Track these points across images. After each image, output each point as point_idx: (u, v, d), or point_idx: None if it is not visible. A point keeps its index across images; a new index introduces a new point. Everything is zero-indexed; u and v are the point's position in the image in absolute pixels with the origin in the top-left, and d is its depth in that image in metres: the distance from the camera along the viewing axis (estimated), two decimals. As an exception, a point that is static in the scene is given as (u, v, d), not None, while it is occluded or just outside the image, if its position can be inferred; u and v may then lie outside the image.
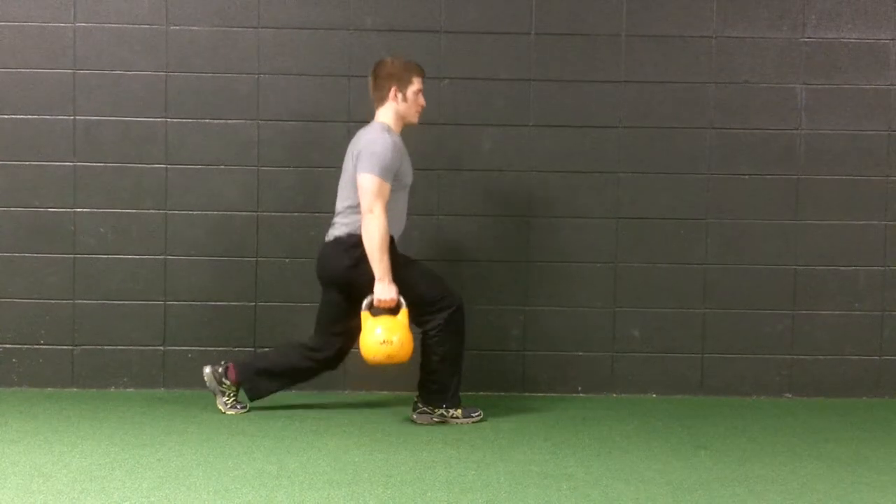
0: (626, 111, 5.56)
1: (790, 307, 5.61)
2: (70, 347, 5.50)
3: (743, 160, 5.58)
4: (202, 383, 5.24)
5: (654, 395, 5.61)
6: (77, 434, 4.56)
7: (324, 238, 4.96)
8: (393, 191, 4.79)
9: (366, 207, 4.71)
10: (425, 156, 5.40)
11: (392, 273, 4.72)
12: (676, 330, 5.60)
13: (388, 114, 4.90)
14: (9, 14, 5.44)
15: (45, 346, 5.50)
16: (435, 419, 4.90)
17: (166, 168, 5.49)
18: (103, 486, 3.77)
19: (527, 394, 5.59)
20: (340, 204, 4.90)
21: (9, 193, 5.47)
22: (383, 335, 4.70)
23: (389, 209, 4.76)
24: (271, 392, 5.04)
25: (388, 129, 4.83)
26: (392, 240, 4.84)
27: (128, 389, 5.51)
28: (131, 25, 5.46)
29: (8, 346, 5.49)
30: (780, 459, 4.35)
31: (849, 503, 3.76)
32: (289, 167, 5.51)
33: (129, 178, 5.48)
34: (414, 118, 4.95)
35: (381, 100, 4.91)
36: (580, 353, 5.60)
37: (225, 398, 5.00)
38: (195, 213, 5.50)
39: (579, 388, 5.61)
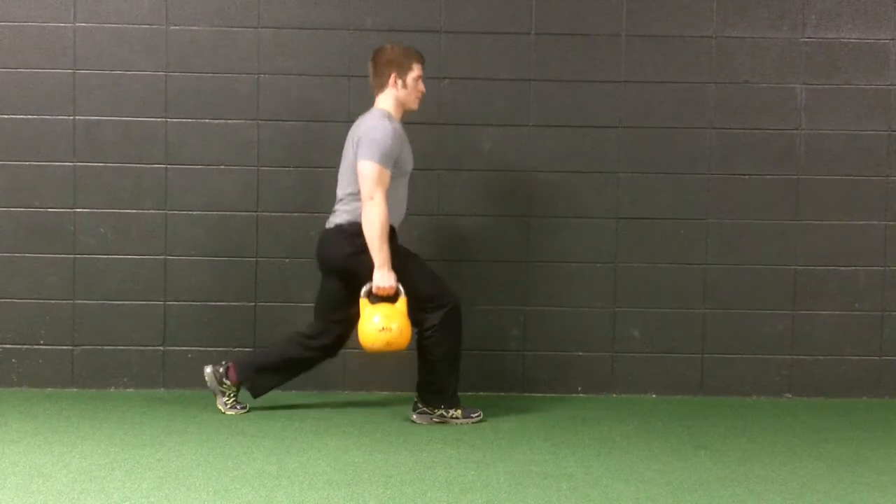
0: (626, 111, 5.56)
1: (790, 307, 5.61)
2: (70, 347, 5.50)
3: (743, 160, 5.58)
4: (202, 383, 5.24)
5: (654, 396, 5.61)
6: (77, 434, 4.56)
7: (324, 226, 4.96)
8: (393, 178, 4.78)
9: (366, 194, 4.70)
10: (425, 156, 5.40)
11: (391, 263, 4.72)
12: (676, 330, 5.60)
13: (387, 100, 4.89)
14: (9, 14, 5.43)
15: (44, 347, 5.50)
16: (434, 419, 4.90)
17: (166, 168, 5.49)
18: (103, 487, 3.77)
19: (527, 394, 5.59)
20: (341, 191, 4.89)
21: (9, 193, 5.47)
22: (382, 323, 4.69)
23: (390, 196, 4.76)
24: (273, 387, 5.04)
25: (388, 116, 4.82)
26: (393, 231, 4.84)
27: (128, 390, 5.51)
28: (131, 25, 5.46)
29: (8, 346, 5.49)
30: (780, 459, 4.35)
31: (849, 503, 3.76)
32: (289, 167, 5.51)
33: (129, 178, 5.48)
34: (414, 105, 4.95)
35: (381, 86, 4.90)
36: (580, 353, 5.60)
37: (225, 398, 5.00)
38: (195, 213, 5.50)
39: (579, 389, 5.61)
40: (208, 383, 5.01)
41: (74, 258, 5.48)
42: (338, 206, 4.90)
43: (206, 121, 5.49)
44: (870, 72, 5.58)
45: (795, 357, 5.62)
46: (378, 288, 4.72)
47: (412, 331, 4.78)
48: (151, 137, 5.48)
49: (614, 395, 5.61)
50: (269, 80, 5.49)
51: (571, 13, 5.53)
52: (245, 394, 5.07)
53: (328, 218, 4.94)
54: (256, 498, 3.66)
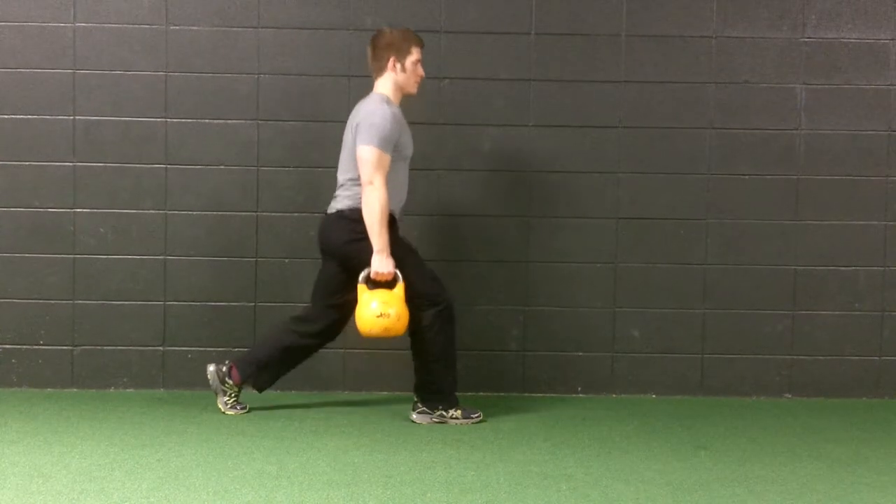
0: (626, 111, 5.56)
1: (790, 307, 5.60)
2: (70, 348, 5.50)
3: (743, 160, 5.58)
4: (202, 383, 5.25)
5: (654, 396, 5.61)
6: (76, 434, 4.56)
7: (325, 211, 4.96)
8: (393, 161, 4.77)
9: (365, 179, 4.70)
10: (425, 156, 5.40)
11: (391, 250, 4.71)
12: (676, 330, 5.60)
13: (386, 84, 4.88)
14: (9, 14, 5.43)
15: (44, 347, 5.50)
16: (434, 419, 4.90)
17: (166, 168, 5.49)
18: (103, 487, 3.77)
19: (526, 394, 5.59)
20: (342, 176, 4.89)
21: (9, 193, 5.47)
22: (380, 308, 4.68)
23: (390, 181, 4.75)
24: (276, 379, 5.04)
25: (387, 100, 4.82)
26: (395, 221, 4.84)
27: (127, 390, 5.51)
28: (131, 25, 5.46)
29: (8, 346, 5.49)
30: (780, 460, 4.35)
31: (848, 503, 3.75)
32: (289, 167, 5.51)
33: (128, 179, 5.48)
34: (413, 89, 4.94)
35: (380, 70, 4.90)
36: (580, 354, 5.60)
37: (226, 398, 4.99)
38: (195, 213, 5.50)
39: (579, 389, 5.61)
40: (210, 382, 5.00)
41: (74, 258, 5.48)
42: (339, 192, 4.90)
43: (206, 121, 5.49)
44: (870, 72, 5.58)
45: (795, 357, 5.62)
46: (376, 273, 4.71)
47: (409, 317, 4.76)
48: (151, 137, 5.48)
49: (614, 396, 5.61)
50: (269, 80, 5.49)
51: (571, 13, 5.53)
52: (245, 394, 5.07)
53: (329, 203, 4.93)
54: (256, 498, 3.66)
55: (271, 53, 5.49)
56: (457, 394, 4.97)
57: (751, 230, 5.59)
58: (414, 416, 4.93)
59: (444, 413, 4.89)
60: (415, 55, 4.89)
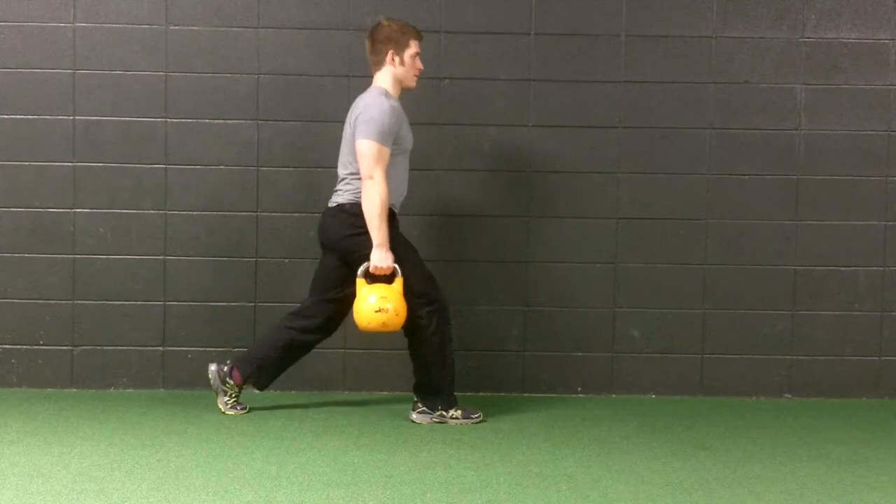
0: (626, 111, 5.56)
1: (790, 307, 5.60)
2: (69, 348, 5.50)
3: (743, 160, 5.58)
4: (202, 383, 5.25)
5: (654, 396, 5.61)
6: (76, 435, 4.56)
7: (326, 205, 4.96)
8: (393, 155, 4.77)
9: (365, 173, 4.70)
10: (425, 156, 5.40)
11: (390, 245, 4.71)
12: (676, 330, 5.60)
13: (385, 78, 4.88)
14: (9, 14, 5.43)
15: (44, 347, 5.50)
16: (434, 419, 4.90)
17: (166, 168, 5.49)
18: (102, 487, 3.77)
19: (526, 394, 5.59)
20: (342, 171, 4.89)
21: (9, 193, 5.47)
22: (378, 303, 4.68)
23: (390, 174, 4.75)
24: (277, 376, 5.03)
25: (386, 94, 4.81)
26: (395, 217, 4.84)
27: (127, 390, 5.51)
28: (131, 25, 5.46)
29: (7, 346, 5.49)
30: (780, 460, 4.35)
31: (848, 503, 3.76)
32: (288, 167, 5.51)
33: (128, 179, 5.48)
34: (412, 82, 4.93)
35: (379, 64, 4.89)
36: (580, 354, 5.60)
37: (226, 398, 4.99)
38: (195, 213, 5.50)
39: (579, 389, 5.61)
40: (211, 381, 5.00)
41: (74, 258, 5.48)
42: (339, 186, 4.89)
43: (206, 121, 5.49)
44: (870, 72, 5.58)
45: (795, 357, 5.62)
46: (376, 267, 4.71)
47: (407, 313, 4.76)
48: (151, 137, 5.48)
49: (614, 396, 5.61)
50: (269, 80, 5.49)
51: (571, 13, 5.53)
52: (245, 394, 5.07)
53: (330, 197, 4.93)
54: (256, 498, 3.66)
55: (271, 53, 5.49)
56: (456, 394, 4.96)
57: (751, 230, 5.59)
58: (414, 416, 4.92)
59: (444, 413, 4.89)
60: (413, 48, 4.88)
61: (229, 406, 4.99)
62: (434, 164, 5.51)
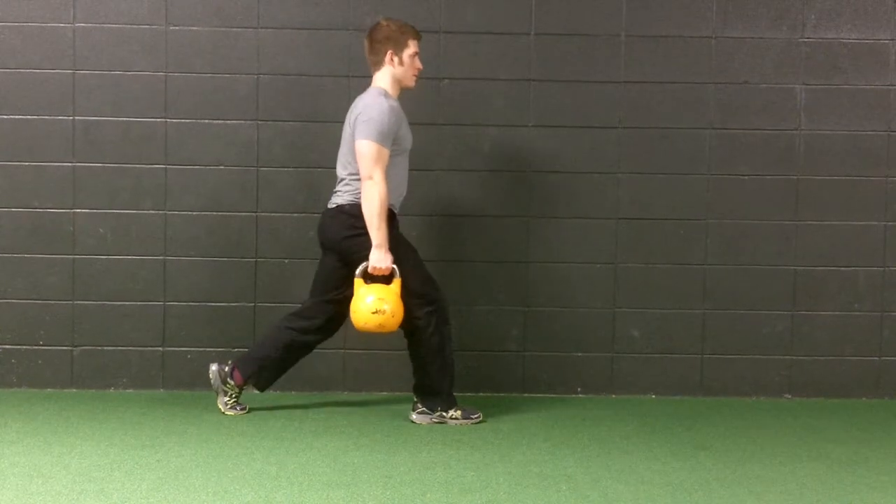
0: (626, 111, 5.55)
1: (790, 307, 5.60)
2: (69, 348, 5.50)
3: (743, 160, 5.58)
4: (202, 384, 5.25)
5: (654, 396, 5.61)
6: (76, 435, 4.56)
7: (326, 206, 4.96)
8: (393, 155, 4.77)
9: (365, 174, 4.69)
10: (425, 156, 5.40)
11: (389, 245, 4.71)
12: (676, 330, 5.60)
13: (384, 78, 4.88)
14: (9, 14, 5.43)
15: (44, 347, 5.50)
16: (434, 420, 4.90)
17: (166, 168, 5.49)
18: (102, 487, 3.77)
19: (526, 394, 5.59)
20: (341, 171, 4.88)
21: (9, 193, 5.46)
22: (375, 304, 4.68)
23: (390, 175, 4.75)
24: (277, 378, 5.03)
25: (385, 94, 4.81)
26: (395, 217, 4.83)
27: (127, 390, 5.51)
28: (131, 25, 5.46)
29: (7, 346, 5.49)
30: (780, 460, 4.35)
31: (848, 503, 3.76)
32: (288, 167, 5.51)
33: (128, 179, 5.48)
34: (411, 82, 4.93)
35: (378, 64, 4.89)
36: (580, 354, 5.60)
37: (226, 398, 4.99)
38: (195, 213, 5.50)
39: (579, 389, 5.61)
40: (212, 381, 4.99)
41: (74, 258, 5.48)
42: (339, 187, 4.89)
43: (206, 121, 5.49)
44: (869, 72, 5.58)
45: (795, 357, 5.62)
46: (374, 268, 4.71)
47: (403, 314, 4.76)
48: (151, 138, 5.48)
49: (614, 396, 5.61)
50: (269, 80, 5.49)
51: (571, 13, 5.52)
52: (245, 394, 5.06)
53: (329, 198, 4.93)
54: (256, 498, 3.66)
55: (271, 53, 5.49)
56: (456, 394, 4.96)
57: (751, 230, 5.59)
58: (414, 416, 4.92)
59: (444, 413, 4.89)
60: (412, 48, 4.88)
61: (229, 406, 4.99)
62: (434, 165, 5.51)
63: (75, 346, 5.50)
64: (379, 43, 4.86)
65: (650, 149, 5.56)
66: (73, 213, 5.47)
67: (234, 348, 5.43)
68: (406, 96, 4.99)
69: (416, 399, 4.94)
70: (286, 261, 5.52)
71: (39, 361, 5.49)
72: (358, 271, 4.75)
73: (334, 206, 4.88)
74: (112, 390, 5.51)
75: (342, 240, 4.83)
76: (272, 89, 5.49)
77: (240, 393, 5.01)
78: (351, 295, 4.82)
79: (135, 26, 5.46)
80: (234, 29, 5.48)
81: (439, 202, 5.54)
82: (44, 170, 5.46)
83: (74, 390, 5.49)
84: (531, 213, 5.56)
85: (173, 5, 5.46)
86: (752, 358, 5.61)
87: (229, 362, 5.02)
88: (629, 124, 5.56)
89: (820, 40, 5.57)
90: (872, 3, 5.56)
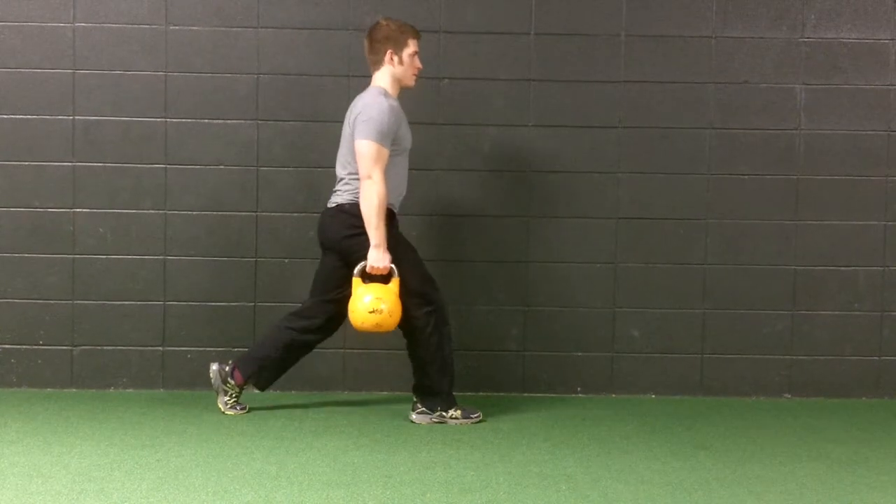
0: (626, 111, 5.56)
1: (790, 307, 5.60)
2: (69, 348, 5.50)
3: (743, 160, 5.58)
4: (202, 383, 5.25)
5: (654, 396, 5.61)
6: (76, 435, 4.56)
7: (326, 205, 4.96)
8: (392, 155, 4.77)
9: (363, 173, 4.69)
10: (425, 155, 5.40)
11: (388, 245, 4.71)
12: (676, 330, 5.60)
13: (384, 77, 4.87)
14: (9, 14, 5.43)
15: (44, 347, 5.50)
16: (434, 419, 4.90)
17: (166, 168, 5.49)
18: (102, 487, 3.77)
19: (526, 394, 5.59)
20: (341, 171, 4.88)
21: (8, 193, 5.46)
22: (372, 304, 4.68)
23: (390, 174, 4.75)
24: (277, 377, 5.03)
25: (385, 93, 4.81)
26: (394, 216, 4.83)
27: (127, 390, 5.51)
28: (131, 25, 5.46)
29: (7, 346, 5.49)
30: (780, 460, 4.35)
31: (848, 503, 3.75)
32: (288, 167, 5.51)
33: (128, 179, 5.48)
34: (410, 81, 4.93)
35: (377, 63, 4.89)
36: (580, 354, 5.60)
37: (226, 398, 4.99)
38: (195, 213, 5.50)
39: (579, 389, 5.61)
40: (212, 380, 4.99)
41: (74, 258, 5.48)
42: (338, 186, 4.89)
43: (206, 121, 5.49)
44: (869, 72, 5.58)
45: (795, 357, 5.62)
46: (372, 267, 4.71)
47: (401, 313, 4.76)
48: (151, 137, 5.48)
49: (614, 396, 5.61)
50: (269, 80, 5.49)
51: (571, 13, 5.53)
52: (245, 394, 5.06)
53: (329, 197, 4.93)
54: (256, 498, 3.66)
55: (271, 53, 5.49)
56: (456, 394, 4.96)
57: (751, 230, 5.59)
58: (413, 416, 4.92)
59: (444, 413, 4.89)
60: (412, 47, 4.88)
61: (229, 406, 4.99)
62: (434, 164, 5.51)
63: (75, 346, 5.50)
64: (378, 42, 4.85)
65: (650, 148, 5.56)
66: (73, 212, 5.47)
67: (234, 348, 5.43)
68: (406, 96, 4.99)
69: (415, 399, 4.94)
70: (286, 261, 5.52)
71: (39, 361, 5.49)
72: (356, 270, 4.76)
73: (334, 205, 4.88)
74: (112, 390, 5.51)
75: (342, 239, 4.83)
76: (272, 89, 5.49)
77: (240, 393, 5.01)
78: (350, 294, 4.82)
79: (135, 26, 5.46)
80: (234, 29, 5.48)
81: (439, 202, 5.54)
82: (44, 169, 5.46)
83: (74, 390, 5.50)
84: (531, 212, 5.56)
85: (173, 5, 5.46)
86: (752, 358, 5.61)
87: (230, 362, 5.02)
88: (629, 124, 5.56)
89: (820, 40, 5.57)
90: (872, 3, 5.57)
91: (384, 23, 4.88)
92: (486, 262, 5.57)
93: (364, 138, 4.69)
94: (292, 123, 5.50)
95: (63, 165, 5.47)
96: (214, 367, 5.00)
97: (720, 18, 5.55)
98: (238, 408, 5.00)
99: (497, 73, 5.53)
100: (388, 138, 4.72)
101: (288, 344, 4.96)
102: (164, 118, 5.48)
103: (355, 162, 4.75)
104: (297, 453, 4.29)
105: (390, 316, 4.70)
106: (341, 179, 4.88)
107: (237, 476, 3.93)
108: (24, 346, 5.49)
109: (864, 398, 5.62)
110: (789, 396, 5.63)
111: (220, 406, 5.00)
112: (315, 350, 5.09)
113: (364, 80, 5.05)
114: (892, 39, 5.58)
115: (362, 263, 4.74)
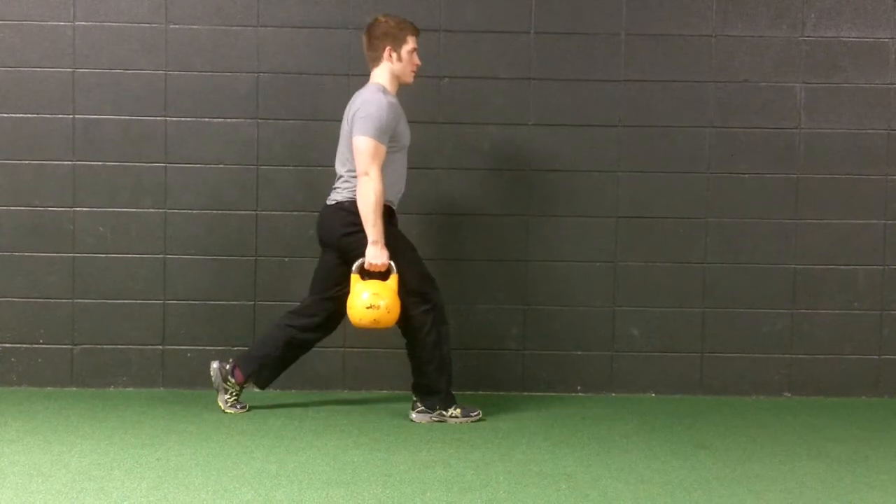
0: (626, 110, 5.56)
1: (789, 306, 5.61)
2: (69, 347, 5.50)
3: (743, 159, 5.58)
4: (202, 382, 5.25)
5: (654, 395, 5.61)
6: (76, 433, 4.56)
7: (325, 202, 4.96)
8: (391, 152, 4.77)
9: (361, 170, 4.69)
10: (425, 154, 5.40)
11: (387, 242, 4.71)
12: (676, 329, 5.60)
13: (383, 74, 4.87)
14: (9, 13, 5.43)
15: (44, 346, 5.50)
16: (433, 418, 4.90)
17: (165, 167, 5.49)
18: (102, 486, 3.77)
19: (526, 393, 5.59)
20: (340, 168, 4.88)
21: (9, 193, 5.47)
22: (370, 300, 4.68)
23: (388, 171, 4.75)
24: (279, 375, 5.03)
25: (383, 90, 4.81)
26: (393, 214, 4.83)
27: (127, 389, 5.51)
28: (131, 24, 5.46)
29: (7, 345, 5.49)
30: (780, 458, 4.35)
31: (848, 503, 3.76)
32: (288, 166, 5.51)
33: (128, 178, 5.48)
34: (409, 78, 4.92)
35: (376, 60, 4.88)
36: (579, 353, 5.60)
37: (227, 396, 4.99)
38: (194, 212, 5.50)
39: (578, 388, 5.61)
40: (213, 379, 4.99)
41: (74, 257, 5.48)
42: (338, 184, 4.89)
43: (206, 120, 5.49)
44: (869, 71, 5.58)
45: (795, 356, 5.62)
46: (370, 264, 4.71)
47: (399, 310, 4.76)
48: (151, 136, 5.48)
49: (613, 395, 5.61)
50: (269, 79, 5.49)
51: (571, 12, 5.53)
52: (245, 393, 5.07)
53: (329, 195, 4.93)
54: (256, 497, 3.66)
55: (271, 52, 5.49)
56: (455, 393, 4.96)
57: (750, 229, 5.59)
58: (413, 415, 4.92)
59: (444, 412, 4.89)
60: (410, 44, 4.88)
61: (229, 404, 4.99)
62: (433, 163, 5.52)
63: (75, 345, 5.50)
64: (377, 39, 4.85)
65: (650, 147, 5.56)
66: (73, 211, 5.47)
67: (234, 346, 5.43)
68: (406, 95, 4.99)
69: (415, 398, 4.94)
70: (286, 259, 5.52)
71: (39, 360, 5.50)
72: (354, 267, 4.76)
73: (333, 202, 4.88)
74: (112, 389, 5.51)
75: (341, 236, 4.83)
76: (272, 88, 5.49)
77: (240, 391, 5.01)
78: (349, 291, 4.82)
79: (135, 25, 5.46)
80: (234, 27, 5.48)
81: (439, 201, 5.54)
82: (44, 168, 5.46)
83: (74, 389, 5.50)
84: (531, 211, 5.56)
85: (173, 4, 5.46)
86: (752, 356, 5.61)
87: (230, 360, 5.02)
88: (629, 123, 5.56)
89: (820, 39, 5.57)
90: (872, 2, 5.56)
91: (383, 19, 4.88)
92: (485, 261, 5.57)
93: (362, 135, 4.69)
94: (292, 122, 5.50)
95: (63, 164, 5.47)
96: (215, 365, 5.00)
97: (720, 17, 5.55)
98: (238, 406, 5.00)
99: (497, 72, 5.53)
100: (386, 135, 4.72)
101: (288, 342, 4.96)
102: (164, 117, 5.48)
103: (354, 159, 4.75)
104: (297, 452, 4.29)
105: (388, 312, 4.70)
106: (340, 177, 4.88)
107: (237, 475, 3.93)
108: (25, 345, 5.49)
109: (863, 397, 5.63)
110: (789, 395, 5.63)
111: (221, 404, 5.00)
112: (315, 349, 5.09)
113: (364, 79, 5.04)
114: (891, 38, 5.58)
115: (361, 260, 4.74)
